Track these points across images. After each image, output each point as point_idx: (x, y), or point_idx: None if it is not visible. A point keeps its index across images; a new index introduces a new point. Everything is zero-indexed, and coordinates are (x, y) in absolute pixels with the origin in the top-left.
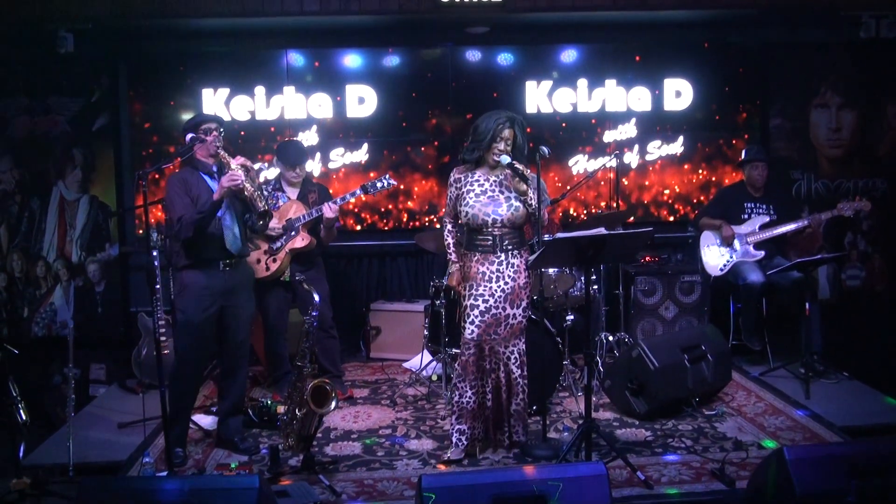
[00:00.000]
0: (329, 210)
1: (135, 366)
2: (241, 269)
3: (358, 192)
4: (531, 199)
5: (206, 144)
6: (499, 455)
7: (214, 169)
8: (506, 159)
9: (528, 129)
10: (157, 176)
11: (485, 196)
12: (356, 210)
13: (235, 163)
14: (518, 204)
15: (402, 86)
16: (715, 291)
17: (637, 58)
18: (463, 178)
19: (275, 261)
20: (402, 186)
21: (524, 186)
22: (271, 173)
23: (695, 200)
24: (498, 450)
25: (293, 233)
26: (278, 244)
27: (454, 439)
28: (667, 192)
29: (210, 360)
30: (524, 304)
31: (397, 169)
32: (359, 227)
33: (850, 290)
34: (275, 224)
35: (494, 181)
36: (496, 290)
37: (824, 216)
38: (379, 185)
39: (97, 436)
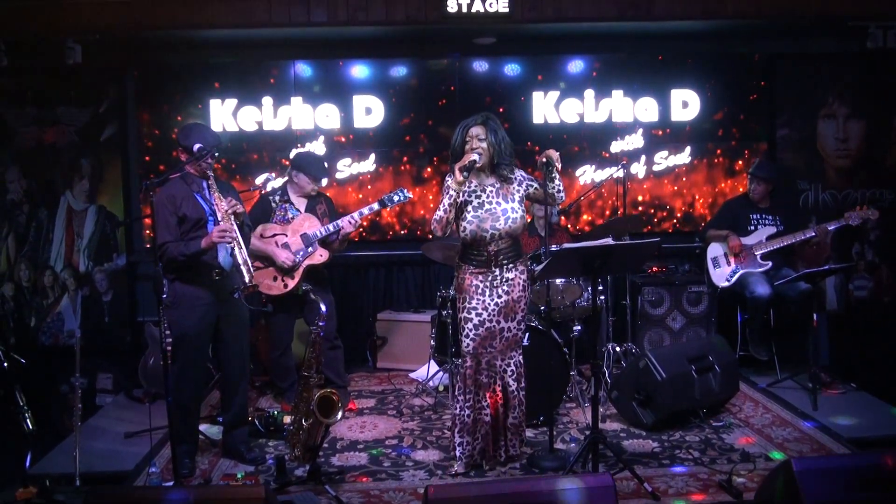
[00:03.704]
0: (349, 224)
1: (141, 376)
2: (232, 278)
3: (375, 206)
4: (556, 185)
5: (199, 162)
6: (505, 466)
7: (204, 185)
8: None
9: (537, 148)
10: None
11: (482, 210)
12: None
13: (227, 206)
14: (515, 216)
15: (409, 96)
16: (722, 302)
17: (644, 68)
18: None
19: (292, 278)
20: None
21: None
22: (278, 183)
23: (702, 211)
24: (504, 461)
25: (310, 248)
26: (295, 261)
27: (458, 453)
28: (674, 202)
29: (216, 370)
30: (519, 316)
31: (403, 178)
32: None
33: (857, 300)
34: (291, 240)
35: (492, 190)
36: (489, 304)
37: (831, 226)
38: (396, 198)
39: (103, 445)
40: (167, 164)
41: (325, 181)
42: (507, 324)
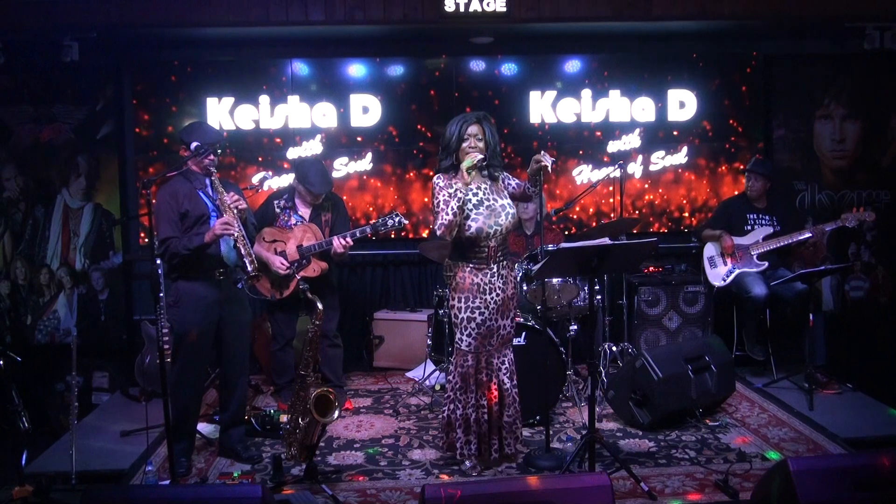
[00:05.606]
0: (339, 245)
1: (138, 374)
2: (235, 275)
3: (368, 230)
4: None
5: (201, 159)
6: (502, 465)
7: (207, 182)
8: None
9: (535, 144)
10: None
11: (483, 206)
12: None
13: (230, 200)
14: (513, 211)
15: (406, 95)
16: (718, 302)
17: (641, 68)
18: (454, 185)
19: (287, 288)
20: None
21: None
22: (275, 182)
23: (698, 211)
24: (500, 461)
25: (305, 262)
26: (290, 272)
27: (466, 451)
28: (670, 202)
29: (213, 369)
30: (512, 314)
31: (399, 177)
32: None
33: (853, 301)
34: (288, 250)
35: (486, 188)
36: (490, 302)
37: (828, 227)
38: (389, 222)
39: (100, 444)
40: (164, 162)
41: (325, 193)
42: (503, 321)
